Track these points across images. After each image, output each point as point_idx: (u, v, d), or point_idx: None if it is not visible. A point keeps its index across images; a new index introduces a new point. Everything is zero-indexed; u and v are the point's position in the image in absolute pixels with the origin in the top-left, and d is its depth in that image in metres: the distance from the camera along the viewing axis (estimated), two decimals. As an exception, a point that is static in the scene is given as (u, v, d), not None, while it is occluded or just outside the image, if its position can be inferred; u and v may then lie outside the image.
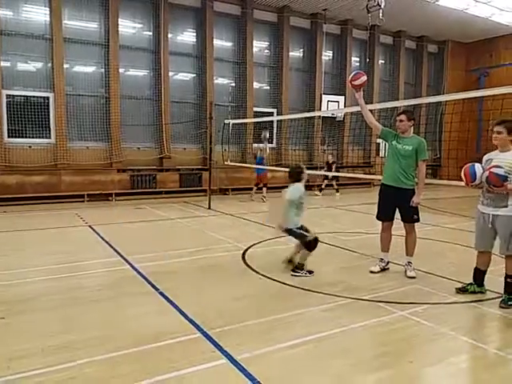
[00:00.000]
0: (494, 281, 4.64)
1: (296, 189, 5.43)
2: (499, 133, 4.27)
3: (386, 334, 3.70)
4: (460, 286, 4.73)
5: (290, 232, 5.47)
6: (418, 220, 5.29)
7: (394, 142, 5.29)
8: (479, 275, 4.60)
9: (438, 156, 20.47)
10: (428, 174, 19.64)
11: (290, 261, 5.59)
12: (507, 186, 4.10)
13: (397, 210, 5.35)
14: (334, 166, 14.93)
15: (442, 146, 19.86)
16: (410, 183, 5.21)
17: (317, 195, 14.85)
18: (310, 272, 5.40)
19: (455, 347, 3.52)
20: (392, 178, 5.28)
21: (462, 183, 4.57)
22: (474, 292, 4.60)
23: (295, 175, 5.54)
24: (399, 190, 5.22)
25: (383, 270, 5.49)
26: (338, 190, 15.07)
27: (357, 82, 5.39)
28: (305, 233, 5.40)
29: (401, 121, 5.24)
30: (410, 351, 3.44)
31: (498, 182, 4.12)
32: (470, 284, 4.64)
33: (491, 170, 4.16)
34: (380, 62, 19.24)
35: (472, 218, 4.67)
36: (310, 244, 5.39)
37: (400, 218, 5.35)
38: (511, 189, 4.11)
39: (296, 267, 5.41)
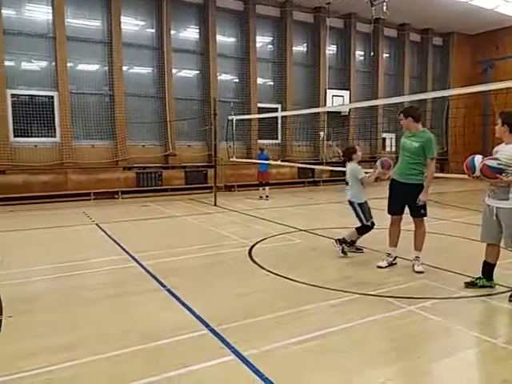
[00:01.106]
0: (503, 275, 4.59)
1: (349, 168, 6.11)
2: (496, 124, 4.35)
3: (394, 329, 3.67)
4: (469, 280, 4.69)
5: (351, 205, 6.03)
6: (425, 215, 5.27)
7: (403, 139, 5.33)
8: (488, 269, 4.55)
9: (445, 150, 20.33)
10: (436, 167, 19.55)
11: (354, 243, 6.09)
12: (503, 178, 4.08)
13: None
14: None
15: (449, 139, 19.72)
16: (418, 179, 5.19)
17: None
18: (349, 247, 6.02)
19: (464, 342, 3.49)
20: (401, 173, 5.28)
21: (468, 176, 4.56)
22: (482, 286, 4.55)
23: (347, 155, 6.17)
24: (408, 185, 5.21)
25: (391, 265, 5.46)
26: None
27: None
28: (361, 215, 5.91)
29: (400, 120, 5.32)
30: (419, 346, 3.41)
31: (491, 174, 4.14)
32: (479, 278, 4.60)
33: (485, 161, 4.20)
34: (384, 55, 19.11)
35: (480, 211, 4.63)
36: (359, 228, 5.98)
37: (409, 212, 5.33)
38: (508, 181, 4.10)
39: (339, 240, 5.98)
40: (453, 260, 5.74)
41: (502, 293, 4.44)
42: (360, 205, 5.90)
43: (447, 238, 7.18)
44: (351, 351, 3.29)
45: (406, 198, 5.26)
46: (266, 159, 12.80)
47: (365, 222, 5.88)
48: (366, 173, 6.05)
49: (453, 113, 17.34)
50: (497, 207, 4.29)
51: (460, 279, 4.84)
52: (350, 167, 6.07)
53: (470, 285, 4.61)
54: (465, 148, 10.45)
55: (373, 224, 5.98)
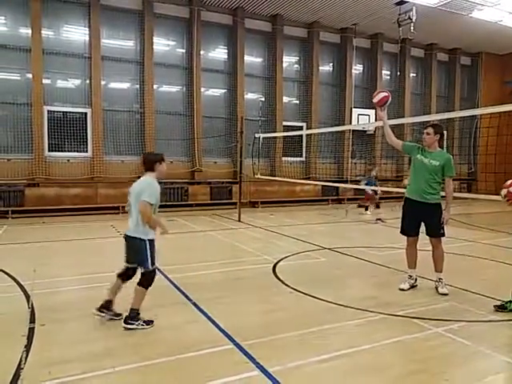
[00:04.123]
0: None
1: (143, 183, 4.23)
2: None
3: (420, 351, 3.63)
4: (498, 303, 4.60)
5: (133, 244, 4.11)
6: (443, 234, 5.21)
7: (419, 156, 5.22)
8: (518, 292, 4.46)
9: (472, 170, 19.96)
10: (462, 188, 19.20)
11: (108, 306, 4.17)
12: None
13: (422, 224, 5.28)
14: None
15: (477, 159, 19.37)
16: (435, 197, 5.14)
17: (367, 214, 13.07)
18: (149, 322, 4.09)
19: (493, 366, 3.42)
20: (417, 192, 5.20)
21: (499, 198, 4.52)
22: (513, 310, 4.46)
23: (148, 162, 4.36)
24: (425, 204, 5.15)
25: (412, 287, 5.38)
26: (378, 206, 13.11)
27: (374, 99, 5.44)
28: (149, 256, 4.06)
29: (427, 134, 5.17)
30: (446, 369, 3.36)
31: None
32: (509, 302, 4.50)
33: (510, 188, 4.27)
34: (411, 75, 19.07)
35: (508, 233, 4.55)
36: (151, 276, 4.09)
37: (425, 232, 5.28)
38: None
39: (129, 316, 4.02)
40: (481, 282, 5.62)
41: (534, 318, 4.33)
42: (150, 242, 4.12)
43: (475, 260, 7.03)
44: (377, 372, 3.27)
45: (424, 217, 5.20)
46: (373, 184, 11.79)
47: (151, 265, 4.07)
48: None
49: (482, 132, 17.05)
50: None
51: (489, 302, 4.75)
52: (145, 181, 4.24)
53: (500, 308, 4.51)
54: (495, 168, 10.23)
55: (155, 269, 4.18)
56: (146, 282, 4.07)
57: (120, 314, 4.17)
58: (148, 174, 4.29)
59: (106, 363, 3.32)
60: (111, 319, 4.15)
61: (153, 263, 4.09)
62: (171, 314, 4.46)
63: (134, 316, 4.03)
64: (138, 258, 4.09)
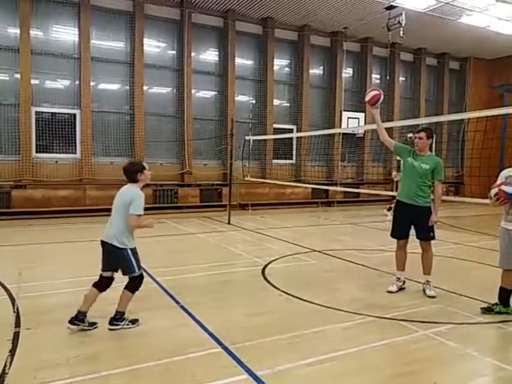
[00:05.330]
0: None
1: (127, 193, 4.16)
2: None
3: (408, 354, 3.65)
4: (485, 305, 4.65)
5: (116, 254, 4.11)
6: (433, 237, 5.26)
7: (409, 159, 5.27)
8: (505, 295, 4.51)
9: (460, 173, 20.18)
10: (450, 191, 19.40)
11: (82, 318, 4.04)
12: None
13: (412, 227, 5.32)
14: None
15: (464, 163, 19.59)
16: (426, 200, 5.20)
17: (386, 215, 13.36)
18: (134, 321, 4.19)
19: (480, 368, 3.45)
20: (408, 195, 5.26)
21: (487, 200, 4.58)
22: (499, 312, 4.51)
23: (130, 173, 4.21)
24: (415, 207, 5.20)
25: (400, 289, 5.43)
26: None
27: (366, 98, 5.44)
28: (134, 263, 4.11)
29: (420, 138, 5.22)
30: (434, 371, 3.39)
31: (508, 199, 4.23)
32: (496, 304, 4.56)
33: (501, 187, 4.26)
34: (400, 79, 19.24)
35: (496, 236, 4.61)
36: (138, 280, 4.17)
37: (415, 235, 5.32)
38: None
39: (114, 318, 4.10)
40: (468, 285, 5.68)
41: (519, 320, 4.38)
42: (132, 250, 4.14)
43: (462, 263, 7.11)
44: (365, 374, 3.29)
45: (414, 220, 5.25)
46: None
47: (137, 270, 4.13)
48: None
49: (469, 136, 17.26)
50: None
51: (475, 304, 4.80)
52: (130, 192, 4.13)
53: (487, 310, 4.57)
54: (480, 171, 10.37)
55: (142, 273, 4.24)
56: (134, 286, 4.15)
57: (95, 323, 4.11)
58: (131, 185, 4.22)
59: (92, 367, 3.28)
60: (86, 330, 4.02)
61: (139, 268, 4.14)
62: (159, 318, 4.43)
63: (119, 318, 4.09)
64: (124, 267, 4.12)
